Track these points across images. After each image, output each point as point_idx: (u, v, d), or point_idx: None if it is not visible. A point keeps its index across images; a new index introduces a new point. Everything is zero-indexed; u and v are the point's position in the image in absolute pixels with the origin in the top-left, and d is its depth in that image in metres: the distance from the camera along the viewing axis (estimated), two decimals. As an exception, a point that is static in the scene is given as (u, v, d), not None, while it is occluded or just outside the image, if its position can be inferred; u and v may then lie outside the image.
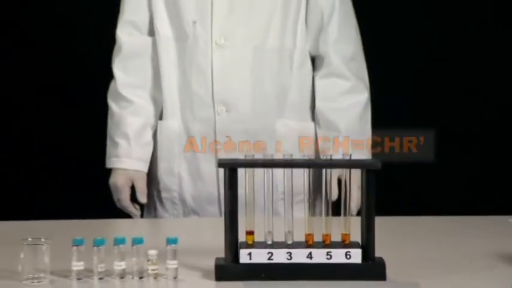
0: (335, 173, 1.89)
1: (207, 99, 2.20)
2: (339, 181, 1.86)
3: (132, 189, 2.25)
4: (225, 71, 2.19)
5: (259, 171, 1.62)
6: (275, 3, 2.19)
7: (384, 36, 3.15)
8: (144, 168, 2.24)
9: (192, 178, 2.22)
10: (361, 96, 2.27)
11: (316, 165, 1.69)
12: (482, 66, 3.49)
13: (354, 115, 2.27)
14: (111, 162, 2.23)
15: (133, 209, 2.22)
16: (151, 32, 2.25)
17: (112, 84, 2.25)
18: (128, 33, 2.25)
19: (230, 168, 1.64)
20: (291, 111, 2.27)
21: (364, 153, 2.23)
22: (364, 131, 2.28)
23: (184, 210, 2.21)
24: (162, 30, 2.23)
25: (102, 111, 2.39)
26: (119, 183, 2.21)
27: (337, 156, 1.97)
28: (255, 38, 2.21)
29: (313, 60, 2.29)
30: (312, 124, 2.29)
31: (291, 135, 2.22)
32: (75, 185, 3.08)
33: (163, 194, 2.28)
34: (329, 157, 1.73)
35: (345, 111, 2.27)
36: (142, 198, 2.22)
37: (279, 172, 1.63)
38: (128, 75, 2.26)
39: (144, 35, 2.27)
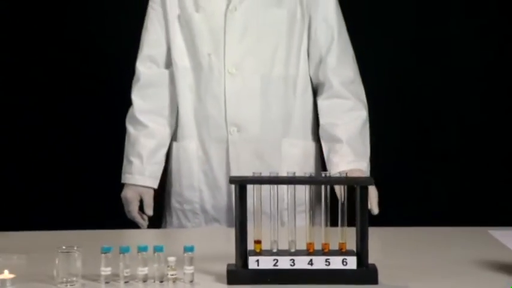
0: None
1: (221, 121, 2.27)
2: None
3: (141, 202, 2.33)
4: (236, 96, 2.27)
5: (266, 185, 1.72)
6: (280, 36, 2.27)
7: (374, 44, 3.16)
8: (154, 184, 2.32)
9: (210, 190, 2.30)
10: (361, 113, 2.32)
11: (316, 182, 1.76)
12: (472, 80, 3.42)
13: (354, 128, 2.32)
14: (125, 178, 2.33)
15: (141, 220, 2.30)
16: (168, 65, 2.34)
17: (130, 110, 2.34)
18: (147, 67, 2.34)
19: (240, 185, 1.72)
20: (295, 131, 2.34)
21: (365, 161, 2.32)
22: (364, 143, 2.33)
23: (205, 219, 2.29)
24: (180, 62, 2.32)
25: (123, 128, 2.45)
26: (129, 196, 2.31)
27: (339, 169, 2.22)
28: (262, 67, 2.28)
29: (316, 86, 2.37)
30: (313, 143, 2.36)
31: (294, 153, 2.31)
32: (98, 197, 3.09)
33: (186, 206, 2.36)
34: (328, 175, 1.79)
35: (346, 124, 2.31)
36: (149, 211, 2.31)
37: (283, 186, 1.72)
38: (145, 102, 2.35)
39: (160, 68, 2.35)
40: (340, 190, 1.82)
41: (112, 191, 2.47)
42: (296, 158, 2.31)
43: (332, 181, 1.80)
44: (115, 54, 3.19)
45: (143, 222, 2.30)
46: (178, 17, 2.32)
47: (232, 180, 1.76)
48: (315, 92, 2.37)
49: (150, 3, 2.34)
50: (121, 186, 2.37)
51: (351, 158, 2.28)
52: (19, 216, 2.55)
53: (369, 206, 2.12)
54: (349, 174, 2.09)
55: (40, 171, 3.28)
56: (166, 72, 2.36)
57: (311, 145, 2.36)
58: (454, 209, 2.32)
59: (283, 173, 1.78)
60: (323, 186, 1.76)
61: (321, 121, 2.33)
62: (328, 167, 2.26)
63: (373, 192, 2.19)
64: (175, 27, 2.32)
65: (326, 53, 2.32)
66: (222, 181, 2.24)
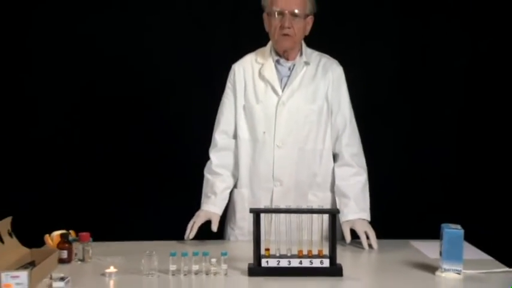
0: (347, 224, 2.26)
1: (269, 177, 2.46)
2: (351, 230, 2.26)
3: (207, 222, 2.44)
4: (280, 162, 2.45)
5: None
6: (312, 123, 2.45)
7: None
8: (220, 212, 2.46)
9: None
10: (362, 177, 2.49)
11: (302, 212, 1.98)
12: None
13: (357, 188, 2.45)
14: (204, 206, 2.48)
15: (191, 233, 2.36)
16: (235, 136, 2.53)
17: (208, 163, 2.54)
18: (221, 138, 2.54)
19: (256, 214, 1.97)
20: (317, 186, 2.50)
21: (366, 212, 2.41)
22: (365, 198, 2.47)
23: (250, 239, 2.33)
24: (243, 136, 2.51)
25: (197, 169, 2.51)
26: (201, 215, 2.45)
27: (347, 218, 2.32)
28: (299, 142, 2.46)
29: (333, 156, 2.51)
30: (330, 194, 2.50)
31: (315, 201, 2.42)
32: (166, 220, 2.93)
33: (237, 231, 2.51)
34: (311, 207, 2.02)
35: (352, 186, 2.46)
36: (215, 228, 2.42)
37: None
38: (218, 160, 2.53)
39: (230, 138, 2.54)
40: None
41: (174, 215, 2.55)
42: (316, 204, 2.26)
43: (312, 211, 1.98)
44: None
45: (190, 234, 2.34)
46: (244, 106, 2.50)
47: (251, 210, 1.98)
48: (333, 160, 2.56)
49: (225, 95, 2.53)
50: (179, 211, 2.44)
51: (356, 210, 2.42)
52: (120, 231, 2.46)
53: (369, 243, 2.29)
54: (355, 222, 2.34)
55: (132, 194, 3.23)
56: (233, 141, 2.54)
57: (328, 195, 2.50)
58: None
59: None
60: (305, 216, 1.96)
61: (336, 182, 2.48)
62: (340, 215, 2.37)
63: (372, 234, 2.34)
64: (241, 113, 2.51)
65: (341, 134, 2.51)
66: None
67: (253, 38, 2.52)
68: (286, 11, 2.32)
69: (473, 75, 3.25)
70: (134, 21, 3.20)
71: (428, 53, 3.24)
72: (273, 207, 2.25)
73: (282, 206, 2.04)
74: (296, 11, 2.32)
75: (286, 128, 2.43)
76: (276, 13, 2.33)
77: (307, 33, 2.44)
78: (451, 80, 3.26)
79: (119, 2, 3.19)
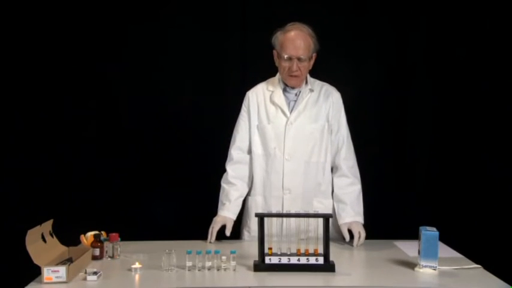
0: (345, 226, 2.30)
1: (279, 186, 2.53)
2: (349, 230, 2.31)
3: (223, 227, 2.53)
4: (289, 173, 2.53)
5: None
6: (315, 139, 2.54)
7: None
8: (234, 217, 2.51)
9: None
10: (357, 187, 2.58)
11: (300, 216, 2.06)
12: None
13: (353, 196, 2.54)
14: (219, 211, 2.53)
15: (212, 238, 2.42)
16: (249, 152, 2.61)
17: (225, 175, 2.61)
18: (237, 153, 2.62)
19: (261, 218, 2.05)
20: (321, 194, 2.57)
21: (361, 216, 2.50)
22: (359, 204, 2.55)
23: None
24: (256, 151, 2.59)
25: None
26: (218, 220, 2.51)
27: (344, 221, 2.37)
28: (305, 156, 2.55)
29: (332, 168, 2.59)
30: (331, 200, 2.58)
31: (320, 207, 2.51)
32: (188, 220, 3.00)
33: (252, 233, 2.56)
34: (312, 212, 2.10)
35: (348, 194, 2.54)
36: (228, 233, 2.47)
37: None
38: (234, 172, 2.59)
39: (245, 153, 2.62)
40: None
41: (189, 218, 2.69)
42: (321, 209, 2.42)
43: (310, 215, 2.04)
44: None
45: (211, 238, 2.41)
46: (257, 125, 2.59)
47: (256, 214, 2.06)
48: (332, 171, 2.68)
49: (240, 116, 2.62)
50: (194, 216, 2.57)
51: (352, 214, 2.50)
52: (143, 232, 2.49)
53: (359, 243, 2.34)
54: (351, 224, 2.38)
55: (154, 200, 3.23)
56: (247, 156, 2.62)
57: (330, 202, 2.58)
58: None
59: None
60: (304, 220, 2.03)
61: (334, 190, 2.58)
62: (338, 218, 2.49)
63: (363, 235, 2.39)
64: (255, 131, 2.59)
65: (340, 149, 2.61)
66: (274, 220, 2.27)
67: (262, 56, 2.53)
68: (294, 57, 2.41)
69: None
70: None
71: (402, 61, 3.11)
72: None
73: (292, 211, 2.04)
74: (302, 57, 2.42)
75: (293, 143, 2.51)
76: (285, 57, 2.42)
77: (311, 67, 2.52)
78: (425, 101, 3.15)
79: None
